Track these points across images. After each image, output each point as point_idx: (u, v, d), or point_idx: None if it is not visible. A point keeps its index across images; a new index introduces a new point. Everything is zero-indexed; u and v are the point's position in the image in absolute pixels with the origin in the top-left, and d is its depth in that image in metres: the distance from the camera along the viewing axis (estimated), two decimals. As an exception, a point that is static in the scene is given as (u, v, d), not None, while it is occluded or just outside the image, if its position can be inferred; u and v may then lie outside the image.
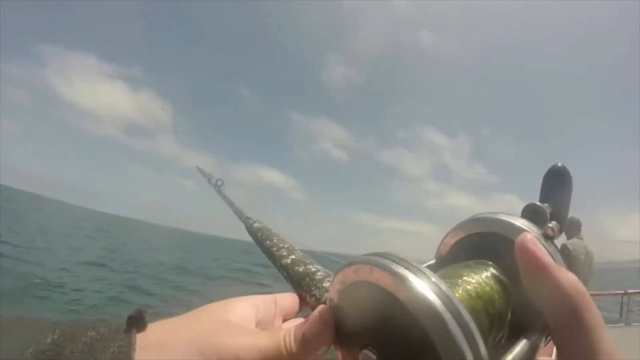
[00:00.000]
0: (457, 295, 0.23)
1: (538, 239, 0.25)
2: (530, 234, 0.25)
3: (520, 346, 0.23)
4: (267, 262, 0.52)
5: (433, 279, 0.21)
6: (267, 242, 0.53)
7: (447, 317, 0.20)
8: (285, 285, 0.43)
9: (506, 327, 0.26)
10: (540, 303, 0.24)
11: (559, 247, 0.27)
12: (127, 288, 8.09)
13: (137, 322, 0.26)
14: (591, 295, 0.23)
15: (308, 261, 0.43)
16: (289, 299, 0.37)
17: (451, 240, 0.31)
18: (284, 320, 0.36)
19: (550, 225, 0.27)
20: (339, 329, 0.27)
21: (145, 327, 0.26)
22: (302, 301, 0.38)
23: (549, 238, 0.27)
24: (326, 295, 0.30)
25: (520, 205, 0.29)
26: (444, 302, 0.20)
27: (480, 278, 0.26)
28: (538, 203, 0.28)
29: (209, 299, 0.33)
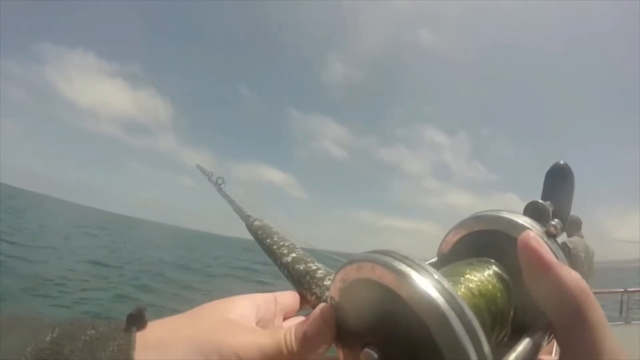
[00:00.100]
0: (459, 293, 0.23)
1: (541, 237, 0.25)
2: (532, 231, 0.25)
3: (523, 345, 0.23)
4: (268, 260, 0.52)
5: (436, 277, 0.21)
6: (268, 240, 0.53)
7: (451, 315, 0.19)
8: (286, 283, 0.43)
9: (509, 325, 0.26)
10: (543, 301, 0.23)
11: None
12: (130, 286, 8.12)
13: (137, 320, 0.26)
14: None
15: (309, 259, 0.43)
16: (289, 297, 0.37)
17: (453, 238, 0.31)
18: (285, 319, 0.35)
19: (552, 223, 0.27)
20: (340, 328, 0.27)
21: (145, 326, 0.26)
22: (303, 299, 0.38)
23: (551, 236, 0.26)
24: (327, 293, 0.29)
25: (519, 204, 0.29)
26: (447, 300, 0.20)
27: (482, 276, 0.26)
28: (540, 201, 0.28)
29: (210, 297, 0.32)
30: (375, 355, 0.23)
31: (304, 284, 0.39)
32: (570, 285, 0.22)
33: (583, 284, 0.22)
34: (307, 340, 0.26)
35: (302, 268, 0.41)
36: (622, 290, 4.95)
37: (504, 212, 0.28)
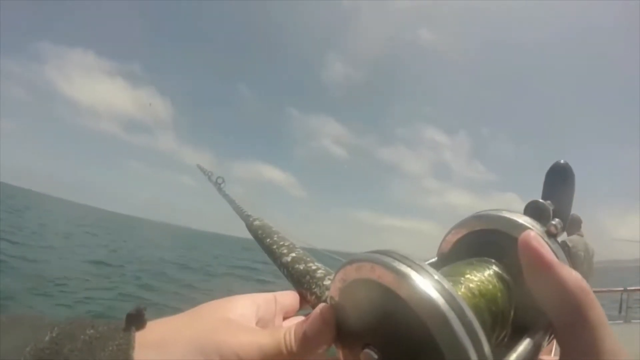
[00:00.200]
0: (459, 293, 0.23)
1: (541, 237, 0.25)
2: (533, 231, 0.25)
3: (524, 345, 0.23)
4: (268, 259, 0.52)
5: (436, 277, 0.21)
6: (268, 240, 0.52)
7: (451, 315, 0.19)
8: (286, 282, 0.43)
9: (509, 325, 0.26)
10: (544, 301, 0.23)
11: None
12: (131, 285, 8.13)
13: (136, 320, 0.26)
14: None
15: (308, 259, 0.43)
16: (289, 297, 0.37)
17: (453, 238, 0.31)
18: (285, 319, 0.35)
19: (553, 222, 0.27)
20: (340, 328, 0.26)
21: (145, 325, 0.26)
22: (303, 299, 0.38)
23: (552, 235, 0.26)
24: (327, 293, 0.29)
25: (519, 204, 0.29)
26: (447, 300, 0.20)
27: (482, 276, 0.26)
28: (541, 200, 0.28)
29: (211, 296, 0.32)
30: (375, 356, 0.23)
31: (303, 284, 0.39)
32: (570, 285, 0.22)
33: (583, 283, 0.22)
34: (307, 340, 0.26)
35: (301, 268, 0.41)
36: (622, 289, 4.95)
37: (504, 212, 0.28)
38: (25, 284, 6.40)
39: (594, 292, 0.23)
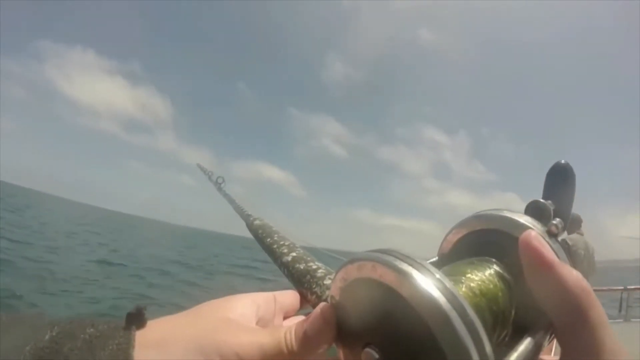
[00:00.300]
0: (461, 292, 0.23)
1: (542, 236, 0.25)
2: (534, 230, 0.25)
3: (525, 344, 0.23)
4: (267, 257, 0.52)
5: (437, 276, 0.21)
6: (268, 240, 0.52)
7: (452, 314, 0.19)
8: (286, 280, 0.43)
9: (510, 325, 0.26)
10: (544, 301, 0.23)
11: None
12: (133, 284, 8.16)
13: (136, 319, 0.26)
14: None
15: (309, 259, 0.43)
16: (289, 297, 0.37)
17: (454, 238, 0.31)
18: (285, 318, 0.35)
19: (554, 222, 0.27)
20: (340, 327, 0.26)
21: (145, 325, 0.26)
22: (303, 299, 0.38)
23: (552, 235, 0.26)
24: (327, 292, 0.29)
25: (520, 204, 0.29)
26: (448, 299, 0.20)
27: (483, 275, 0.26)
28: (542, 200, 0.28)
29: (212, 293, 0.32)
30: (376, 355, 0.23)
31: (304, 283, 0.39)
32: (571, 285, 0.22)
33: (584, 283, 0.22)
34: (307, 340, 0.26)
35: (302, 267, 0.41)
36: (622, 288, 4.95)
37: (505, 212, 0.28)
38: (29, 283, 6.42)
39: (594, 290, 0.23)
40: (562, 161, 0.29)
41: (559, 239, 0.27)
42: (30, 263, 7.95)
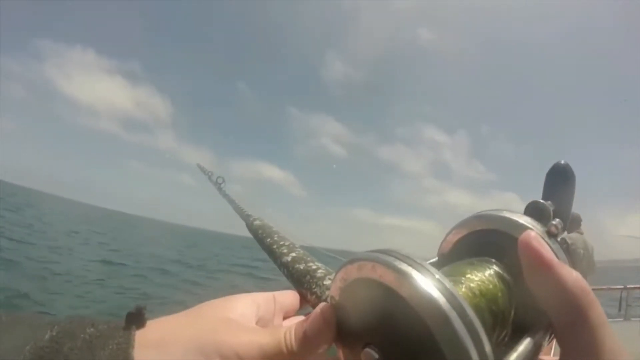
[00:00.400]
0: (460, 293, 0.23)
1: (541, 237, 0.25)
2: (533, 231, 0.25)
3: (524, 345, 0.23)
4: (267, 257, 0.52)
5: (437, 276, 0.21)
6: (268, 240, 0.53)
7: (452, 315, 0.19)
8: (286, 279, 0.43)
9: (509, 325, 0.26)
10: (544, 301, 0.23)
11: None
12: (134, 283, 8.18)
13: (136, 319, 0.26)
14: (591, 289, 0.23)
15: (309, 259, 0.43)
16: (289, 297, 0.37)
17: (453, 238, 0.31)
18: (285, 318, 0.35)
19: (553, 222, 0.27)
20: (340, 327, 0.26)
21: (145, 325, 0.26)
22: (303, 299, 0.38)
23: (552, 235, 0.26)
24: (327, 292, 0.29)
25: (519, 204, 0.29)
26: (448, 300, 0.20)
27: (483, 276, 0.26)
28: (541, 200, 0.28)
29: (213, 291, 0.32)
30: (376, 355, 0.23)
31: (304, 284, 0.39)
32: (570, 285, 0.22)
33: (583, 283, 0.22)
34: (307, 340, 0.26)
35: (302, 267, 0.41)
36: (622, 287, 4.95)
37: (505, 212, 0.28)
38: (34, 282, 6.43)
39: (594, 289, 0.23)
40: (562, 162, 0.29)
41: (559, 239, 0.27)
42: (34, 263, 7.96)
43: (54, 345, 0.23)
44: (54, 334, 0.24)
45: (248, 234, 0.66)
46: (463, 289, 0.24)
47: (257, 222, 0.63)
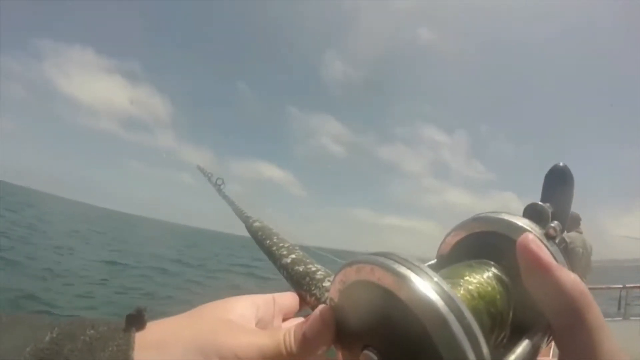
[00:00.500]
0: (459, 295, 0.23)
1: (540, 239, 0.25)
2: (532, 233, 0.25)
3: (522, 346, 0.23)
4: (266, 257, 0.52)
5: (435, 279, 0.21)
6: (267, 242, 0.53)
7: (450, 317, 0.19)
8: (285, 280, 0.43)
9: (508, 327, 0.26)
10: (542, 303, 0.23)
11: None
12: (136, 283, 8.20)
13: (136, 320, 0.26)
14: (590, 289, 0.23)
15: (308, 260, 0.43)
16: (288, 299, 0.37)
17: (452, 240, 0.31)
18: (284, 320, 0.35)
19: (552, 225, 0.27)
20: (339, 329, 0.27)
21: (145, 326, 0.26)
22: (302, 301, 0.38)
23: (550, 238, 0.26)
24: (326, 294, 0.29)
25: (518, 203, 0.29)
26: (446, 302, 0.20)
27: (482, 278, 0.26)
28: (540, 203, 0.28)
29: (215, 290, 0.32)
30: (375, 357, 0.23)
31: (303, 286, 0.39)
32: (568, 287, 0.22)
33: (582, 286, 0.23)
34: (306, 342, 0.26)
35: (301, 269, 0.41)
36: (621, 286, 4.95)
37: (503, 214, 0.28)
38: (38, 282, 6.43)
39: (593, 288, 0.23)
40: (561, 164, 0.29)
41: (557, 241, 0.27)
42: (35, 262, 7.96)
43: (54, 347, 0.23)
44: (54, 335, 0.24)
45: (248, 234, 0.66)
46: (461, 291, 0.25)
47: (256, 224, 0.63)
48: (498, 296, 0.25)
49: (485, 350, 0.19)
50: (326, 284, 0.37)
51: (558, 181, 0.29)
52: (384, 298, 0.22)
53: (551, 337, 0.24)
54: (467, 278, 0.26)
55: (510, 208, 0.29)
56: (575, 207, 0.29)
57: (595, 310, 0.22)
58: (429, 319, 0.20)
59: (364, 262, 0.23)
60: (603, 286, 4.90)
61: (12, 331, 0.24)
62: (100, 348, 0.23)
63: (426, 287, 0.20)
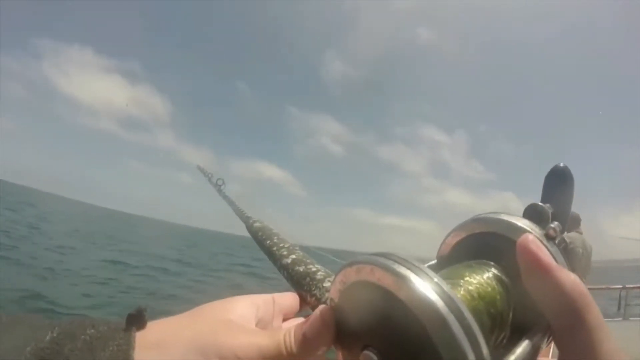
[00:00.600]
0: (459, 295, 0.23)
1: (540, 240, 0.25)
2: (532, 234, 0.25)
3: (522, 347, 0.23)
4: (266, 257, 0.52)
5: (435, 280, 0.21)
6: (268, 242, 0.53)
7: (450, 318, 0.19)
8: (284, 279, 0.43)
9: (508, 327, 0.26)
10: (542, 304, 0.24)
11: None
12: (137, 282, 8.21)
13: (136, 320, 0.26)
14: (590, 289, 0.23)
15: (308, 261, 0.43)
16: (288, 299, 0.37)
17: (452, 240, 0.31)
18: (284, 320, 0.35)
19: (552, 225, 0.27)
20: (339, 329, 0.27)
21: (145, 326, 0.26)
22: (303, 301, 0.38)
23: (550, 239, 0.26)
24: (327, 295, 0.29)
25: (517, 203, 0.29)
26: (446, 303, 0.20)
27: (482, 278, 0.26)
28: (540, 203, 0.28)
29: (215, 292, 0.32)
30: (375, 357, 0.23)
31: (303, 286, 0.39)
32: (568, 288, 0.22)
33: (581, 286, 0.23)
34: (306, 342, 0.26)
35: (301, 270, 0.41)
36: (621, 286, 4.95)
37: (503, 215, 0.28)
38: (41, 282, 6.43)
39: (593, 289, 0.23)
40: (561, 164, 0.29)
41: (557, 241, 0.27)
42: (37, 262, 7.97)
43: (54, 347, 0.23)
44: (55, 335, 0.24)
45: (248, 234, 0.66)
46: (461, 292, 0.25)
47: (257, 224, 0.63)
48: (498, 297, 0.25)
49: (485, 350, 0.19)
50: (326, 284, 0.37)
51: (558, 182, 0.29)
52: (384, 298, 0.22)
53: (551, 338, 0.24)
54: (467, 279, 0.26)
55: (510, 208, 0.29)
56: (575, 208, 0.29)
57: (594, 311, 0.22)
58: (429, 320, 0.20)
59: (364, 262, 0.23)
60: (603, 286, 4.90)
61: (12, 331, 0.24)
62: (100, 347, 0.24)
63: (426, 287, 0.20)
